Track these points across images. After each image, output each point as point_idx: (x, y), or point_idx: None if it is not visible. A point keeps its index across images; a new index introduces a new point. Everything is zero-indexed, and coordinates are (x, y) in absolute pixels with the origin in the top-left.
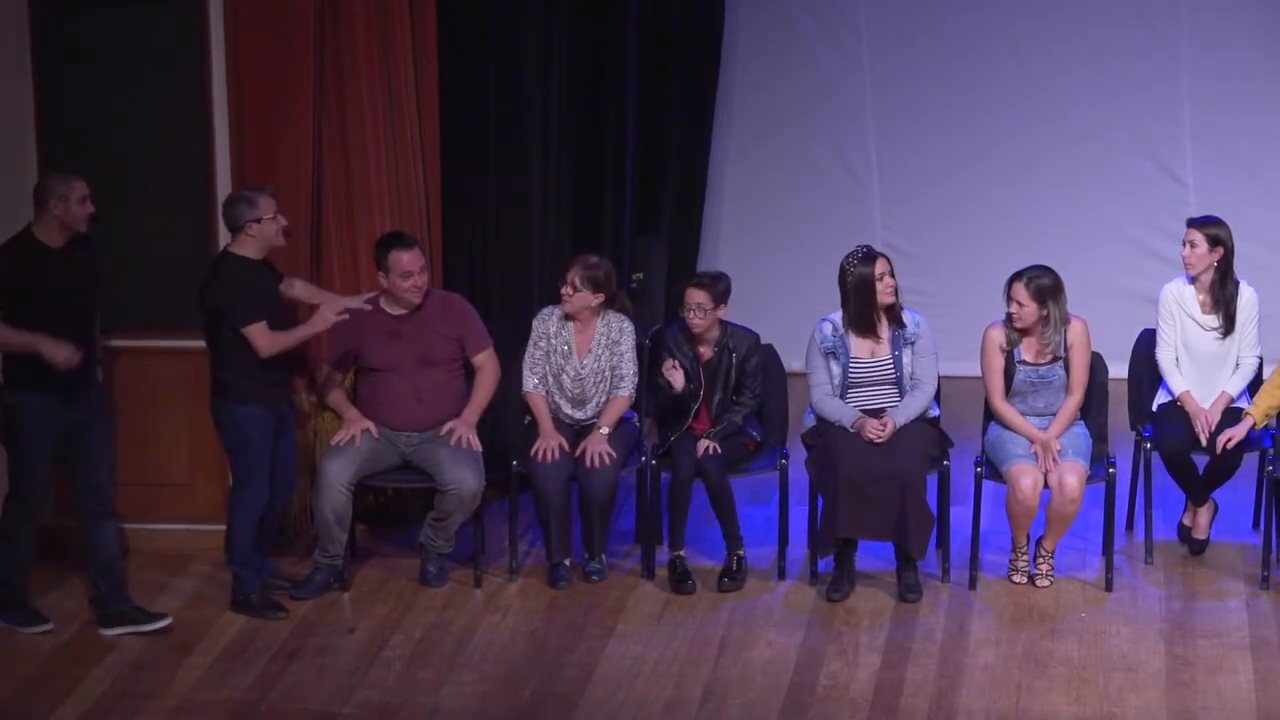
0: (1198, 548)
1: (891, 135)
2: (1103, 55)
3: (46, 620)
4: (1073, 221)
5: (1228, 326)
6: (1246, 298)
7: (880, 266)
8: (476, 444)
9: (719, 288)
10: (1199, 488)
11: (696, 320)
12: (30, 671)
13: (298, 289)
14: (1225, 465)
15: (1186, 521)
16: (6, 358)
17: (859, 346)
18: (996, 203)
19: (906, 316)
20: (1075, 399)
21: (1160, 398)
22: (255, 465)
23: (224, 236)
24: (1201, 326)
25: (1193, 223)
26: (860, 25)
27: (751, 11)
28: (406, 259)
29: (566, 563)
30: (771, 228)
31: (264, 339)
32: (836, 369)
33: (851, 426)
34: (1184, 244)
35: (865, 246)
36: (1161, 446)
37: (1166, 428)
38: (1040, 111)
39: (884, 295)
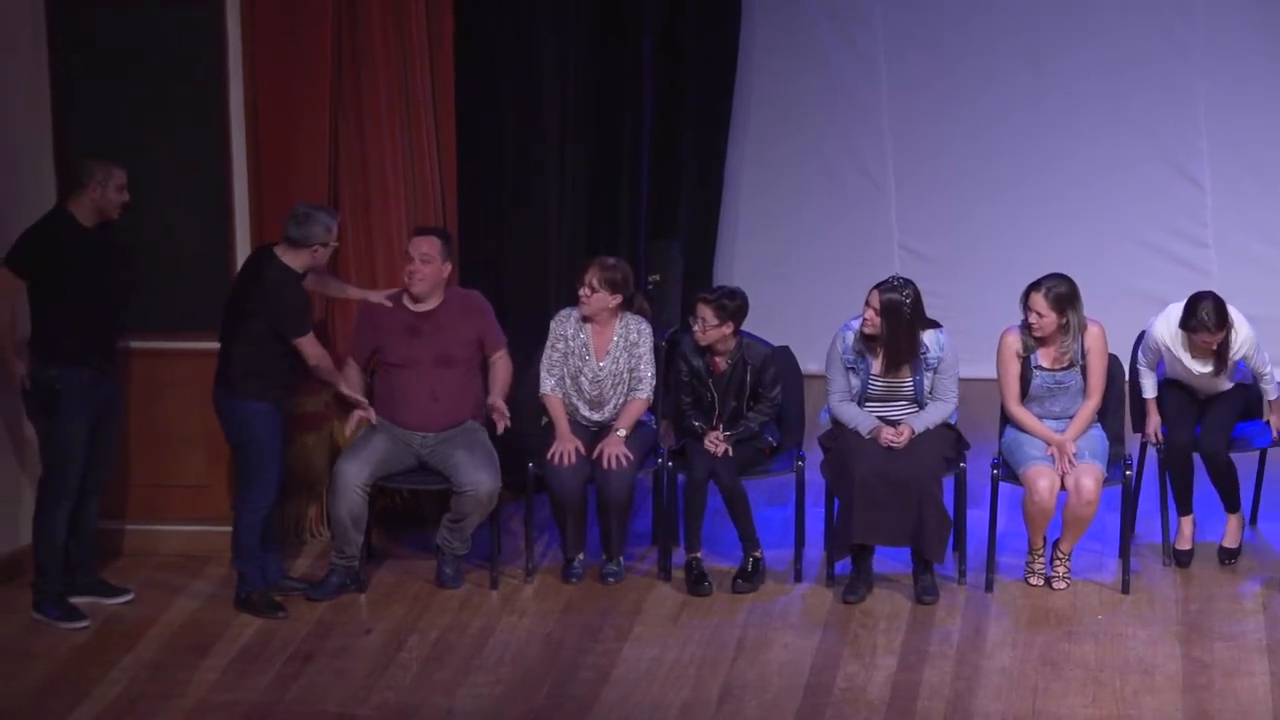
0: (1227, 556)
1: (907, 138)
2: (1118, 58)
3: (84, 618)
4: (1089, 225)
5: (1219, 368)
6: (1244, 336)
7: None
8: (504, 410)
9: (728, 306)
10: (1189, 495)
11: (698, 332)
12: (47, 672)
13: (351, 292)
14: (1218, 470)
15: (1179, 545)
16: (41, 332)
17: (879, 366)
18: (1012, 206)
19: (930, 337)
20: (1093, 403)
21: (1161, 375)
22: (262, 462)
23: (241, 237)
24: (1191, 370)
25: (1219, 318)
26: (876, 28)
27: (768, 15)
28: (413, 242)
29: (580, 557)
30: (787, 230)
31: (315, 349)
32: (855, 381)
33: (868, 434)
34: (1215, 343)
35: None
36: (1168, 440)
37: (1174, 422)
38: (1056, 115)
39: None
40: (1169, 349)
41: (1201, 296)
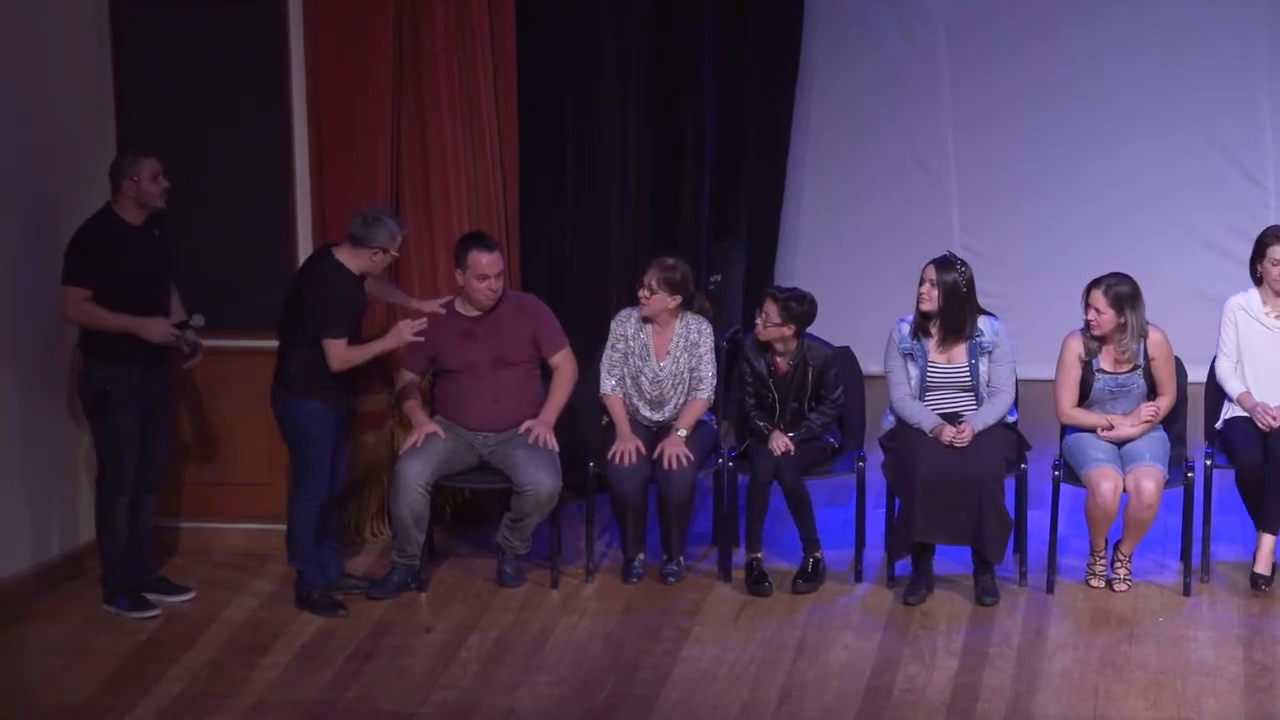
0: (1261, 581)
1: (969, 136)
2: (1181, 56)
3: (154, 607)
4: (1150, 223)
5: None
6: None
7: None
8: (553, 443)
9: (793, 309)
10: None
11: (759, 325)
12: (109, 669)
13: (408, 301)
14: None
15: (1260, 569)
16: (91, 334)
17: (935, 351)
18: (1073, 205)
19: (985, 323)
20: (1168, 399)
21: (1225, 413)
22: (315, 460)
23: (302, 235)
24: (1267, 329)
25: None
26: (938, 24)
27: (829, 11)
28: (485, 261)
29: (641, 557)
30: (849, 229)
31: (339, 354)
32: (914, 370)
33: (930, 432)
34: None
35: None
36: (1238, 464)
37: (1240, 445)
38: (1118, 113)
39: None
40: (1245, 311)
41: (1270, 227)
